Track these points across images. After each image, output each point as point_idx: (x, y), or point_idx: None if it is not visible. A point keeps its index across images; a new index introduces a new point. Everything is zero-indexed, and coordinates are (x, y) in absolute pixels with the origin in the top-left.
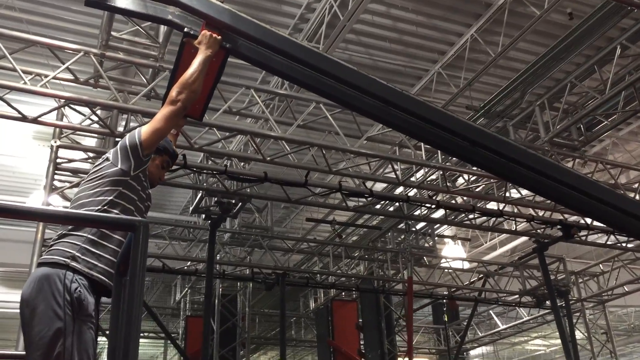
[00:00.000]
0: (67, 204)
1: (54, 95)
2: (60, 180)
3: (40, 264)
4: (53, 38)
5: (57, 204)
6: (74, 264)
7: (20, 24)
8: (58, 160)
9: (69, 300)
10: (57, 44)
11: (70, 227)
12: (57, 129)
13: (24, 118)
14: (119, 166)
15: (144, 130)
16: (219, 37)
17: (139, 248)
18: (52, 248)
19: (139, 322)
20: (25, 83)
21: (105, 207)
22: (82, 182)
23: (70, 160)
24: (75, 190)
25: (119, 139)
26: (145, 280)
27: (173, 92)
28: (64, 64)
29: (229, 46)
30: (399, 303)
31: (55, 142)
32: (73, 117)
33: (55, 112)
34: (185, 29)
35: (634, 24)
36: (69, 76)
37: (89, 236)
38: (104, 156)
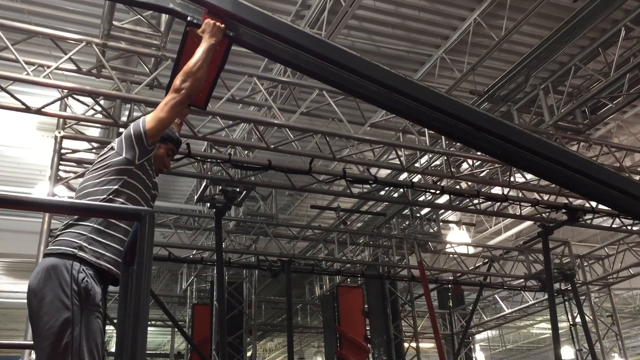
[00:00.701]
0: (73, 194)
1: (57, 86)
2: (64, 171)
3: (47, 255)
4: (55, 28)
5: (63, 194)
6: (81, 253)
7: (21, 14)
8: (62, 151)
9: (76, 290)
10: (59, 34)
11: (76, 216)
12: (61, 120)
13: (27, 109)
14: (124, 155)
15: (148, 119)
16: (223, 25)
17: (145, 237)
18: (59, 238)
19: (147, 311)
20: (28, 74)
21: (111, 197)
22: (87, 171)
23: (74, 151)
24: (81, 180)
25: (123, 129)
26: (152, 269)
27: (177, 81)
28: (66, 54)
29: (232, 34)
30: (404, 289)
31: (59, 132)
32: (76, 107)
33: (59, 102)
34: (189, 18)
35: (638, 6)
36: (72, 66)
37: (95, 225)
38: (109, 145)
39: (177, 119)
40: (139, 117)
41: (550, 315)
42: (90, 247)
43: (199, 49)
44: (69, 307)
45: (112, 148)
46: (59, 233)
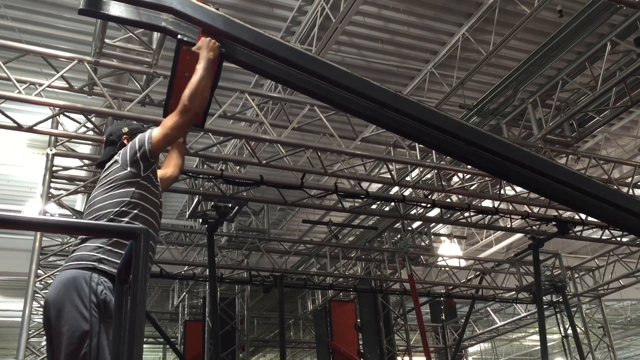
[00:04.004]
0: (64, 211)
1: (49, 104)
2: (56, 188)
3: (65, 268)
4: (46, 46)
5: (54, 211)
6: (101, 266)
7: (13, 32)
8: (54, 168)
9: (95, 302)
10: (50, 52)
11: None
12: (53, 137)
13: (19, 127)
14: (129, 169)
15: (155, 135)
16: (218, 43)
17: (140, 255)
18: (76, 253)
19: (142, 329)
20: (19, 92)
21: (124, 209)
22: (95, 188)
23: (65, 168)
24: (72, 197)
25: None
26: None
27: (186, 101)
28: (58, 72)
29: (223, 51)
30: (397, 302)
31: (51, 150)
32: (68, 124)
33: (50, 120)
34: (179, 36)
35: (623, 20)
36: (63, 84)
37: (113, 238)
38: (113, 158)
39: (180, 138)
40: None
41: (539, 327)
42: (109, 258)
43: (199, 65)
44: (88, 319)
45: (116, 162)
46: (75, 248)
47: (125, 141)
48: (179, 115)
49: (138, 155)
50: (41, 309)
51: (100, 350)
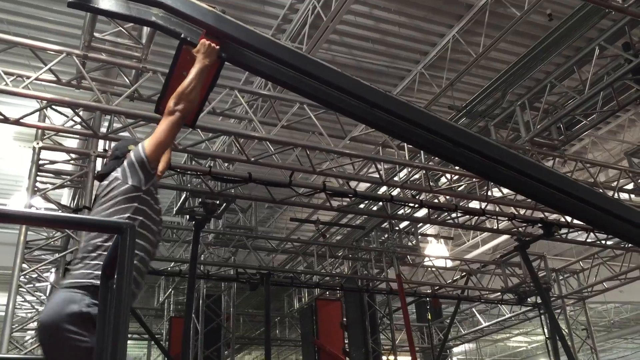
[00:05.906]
0: (50, 205)
1: (36, 97)
2: (42, 182)
3: (62, 288)
4: (35, 39)
5: (40, 205)
6: (98, 282)
7: (0, 24)
8: (40, 162)
9: (86, 322)
10: (39, 44)
11: (91, 248)
12: (39, 130)
13: (5, 119)
14: (130, 183)
15: (147, 144)
16: (217, 47)
17: (126, 251)
18: (75, 272)
19: (127, 325)
20: (6, 84)
21: None
22: (95, 205)
23: (52, 162)
24: (58, 191)
25: (102, 140)
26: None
27: (171, 103)
28: (46, 64)
29: (224, 56)
30: (383, 302)
31: (38, 143)
32: (55, 118)
33: (38, 113)
34: (183, 35)
35: (612, 25)
36: (51, 77)
37: None
38: (111, 176)
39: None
40: (119, 129)
41: (550, 322)
42: None
43: (192, 69)
44: (87, 342)
45: (116, 178)
46: (74, 267)
47: None
48: (166, 118)
49: (137, 166)
50: (25, 303)
51: None
